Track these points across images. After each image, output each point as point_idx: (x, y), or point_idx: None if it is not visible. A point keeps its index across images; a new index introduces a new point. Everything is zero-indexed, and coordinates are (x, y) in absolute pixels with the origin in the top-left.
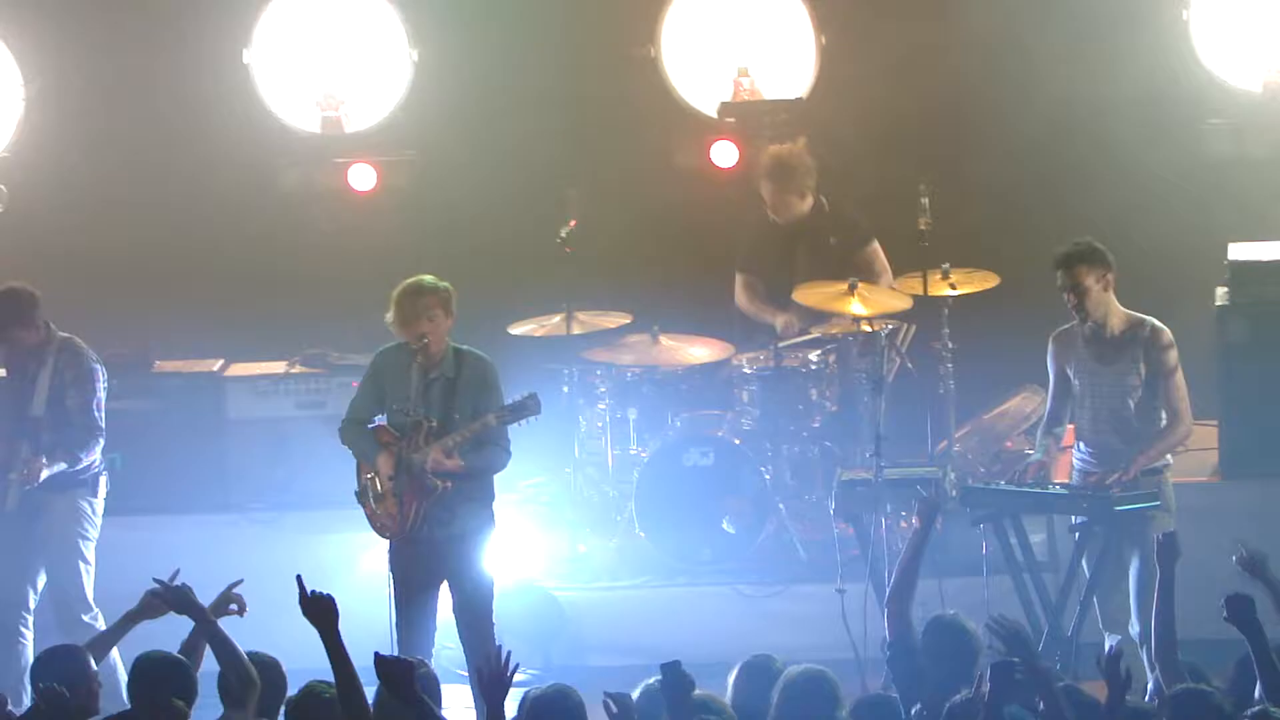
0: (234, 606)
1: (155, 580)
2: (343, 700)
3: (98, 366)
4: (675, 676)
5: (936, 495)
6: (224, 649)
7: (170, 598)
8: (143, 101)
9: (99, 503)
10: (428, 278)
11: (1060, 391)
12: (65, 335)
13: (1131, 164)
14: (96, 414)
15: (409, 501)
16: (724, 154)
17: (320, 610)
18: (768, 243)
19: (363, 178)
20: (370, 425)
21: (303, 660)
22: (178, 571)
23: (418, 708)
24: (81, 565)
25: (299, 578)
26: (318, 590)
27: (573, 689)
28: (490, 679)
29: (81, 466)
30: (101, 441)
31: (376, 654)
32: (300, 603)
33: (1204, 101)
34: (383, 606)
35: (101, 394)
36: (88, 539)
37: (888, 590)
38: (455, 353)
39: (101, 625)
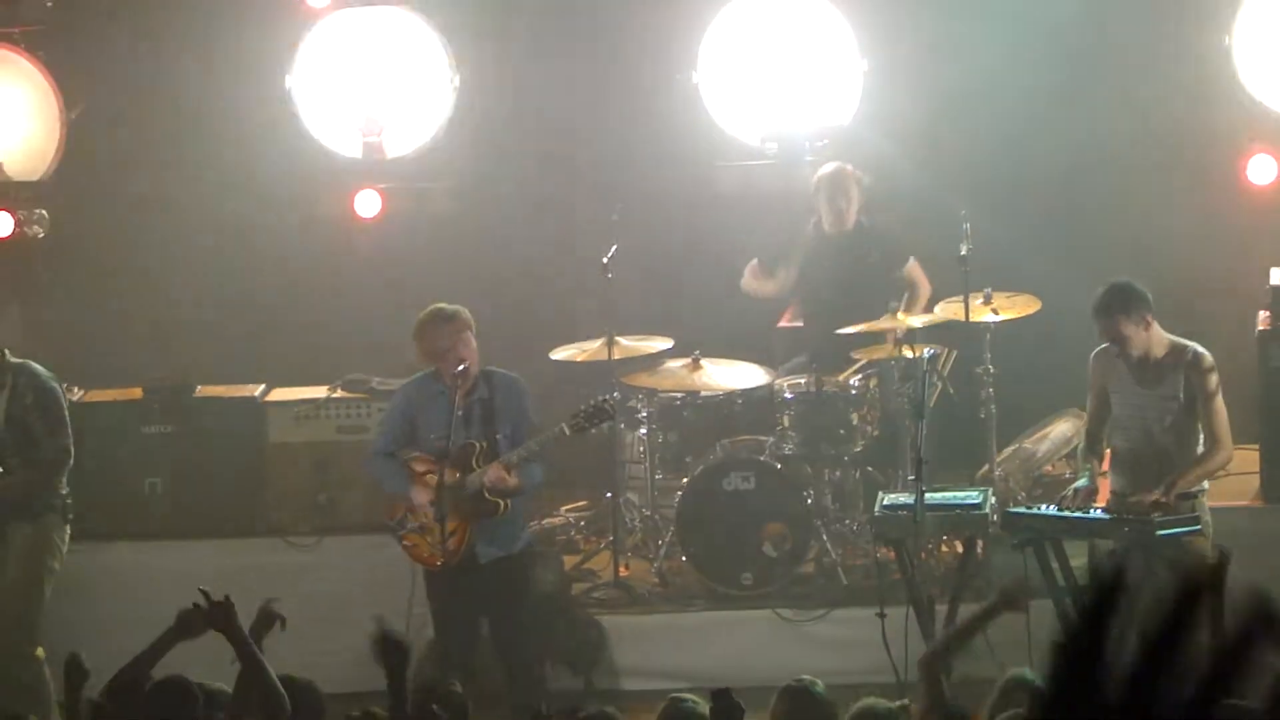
0: (278, 624)
1: (200, 590)
2: None
3: (58, 386)
4: (726, 703)
5: (1019, 588)
6: (258, 671)
7: (213, 613)
8: (184, 125)
9: (66, 532)
10: (443, 305)
11: (1100, 411)
12: (19, 360)
13: (1174, 190)
14: (67, 435)
15: (459, 527)
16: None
17: (393, 652)
18: (813, 254)
19: (368, 204)
20: (397, 457)
21: (341, 685)
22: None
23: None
24: (38, 597)
25: (378, 617)
26: (393, 631)
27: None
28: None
29: (51, 490)
30: (70, 464)
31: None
32: (374, 642)
33: (1247, 128)
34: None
35: (66, 414)
36: (52, 571)
37: (929, 650)
38: (485, 374)
39: (42, 656)
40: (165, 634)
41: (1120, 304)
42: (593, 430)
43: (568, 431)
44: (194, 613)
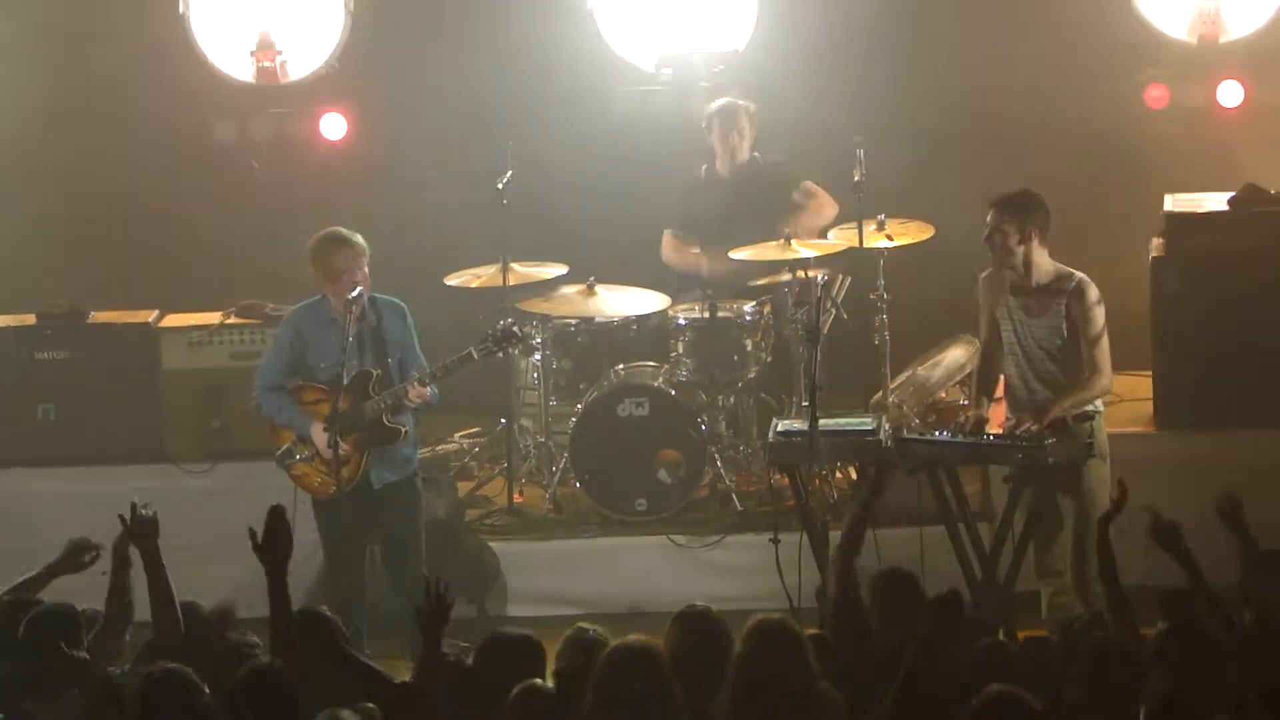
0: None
1: (133, 503)
2: (273, 632)
3: None
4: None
5: (886, 458)
6: (162, 590)
7: (136, 527)
8: (76, 51)
9: None
10: (341, 229)
11: (992, 337)
12: None
13: (1069, 115)
14: None
15: (353, 454)
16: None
17: (276, 548)
18: (707, 198)
19: (334, 126)
20: (285, 388)
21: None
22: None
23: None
24: None
25: (250, 530)
26: (277, 530)
27: (533, 637)
28: (430, 613)
29: None
30: None
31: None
32: (259, 541)
33: (1140, 53)
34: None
35: None
36: None
37: (837, 545)
38: (370, 300)
39: None
40: (52, 563)
41: (1012, 206)
42: (499, 355)
43: (476, 355)
44: (81, 543)
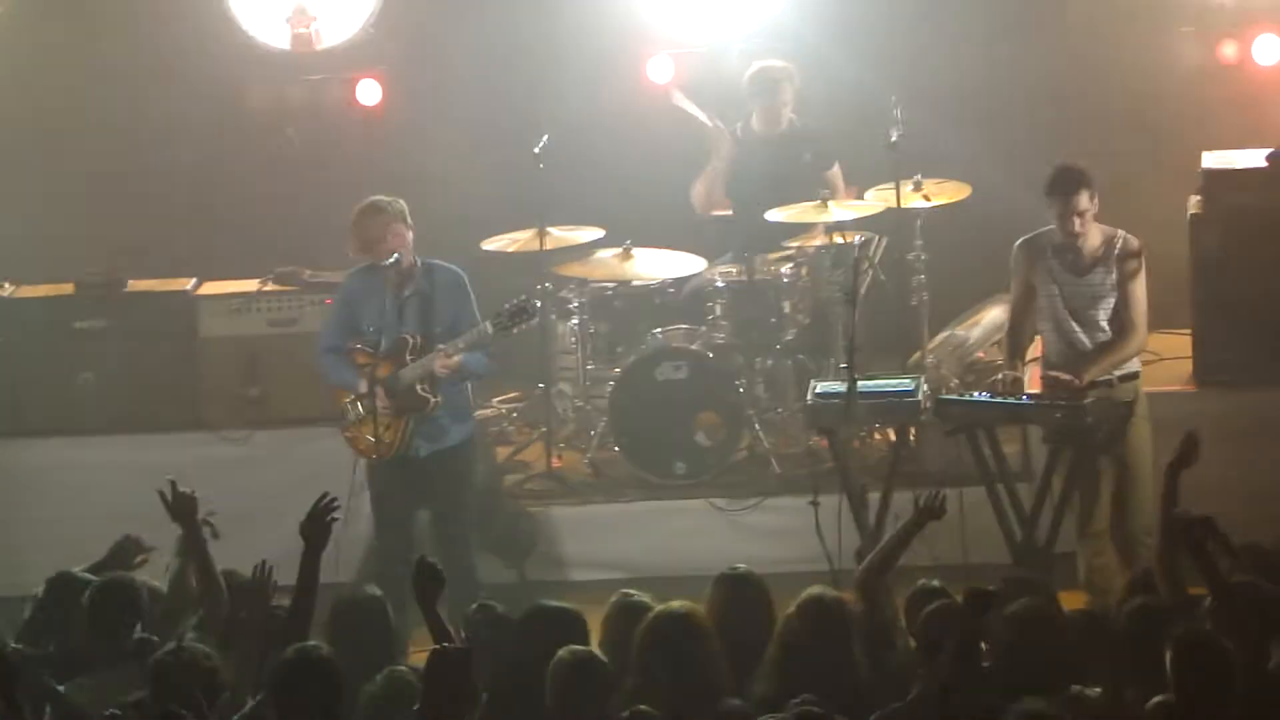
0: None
1: (168, 479)
2: (293, 613)
3: None
4: None
5: (941, 502)
6: (204, 563)
7: (176, 504)
8: (111, 18)
9: None
10: (379, 197)
11: (1023, 303)
12: None
13: (1104, 73)
14: None
15: (394, 421)
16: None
17: (318, 529)
18: (745, 158)
19: (369, 92)
20: (343, 350)
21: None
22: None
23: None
24: None
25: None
26: (325, 509)
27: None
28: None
29: None
30: None
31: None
32: (308, 518)
33: (1175, 11)
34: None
35: None
36: None
37: (864, 564)
38: (425, 266)
39: None
40: (99, 562)
41: (1083, 179)
42: (515, 330)
43: (490, 330)
44: (130, 544)
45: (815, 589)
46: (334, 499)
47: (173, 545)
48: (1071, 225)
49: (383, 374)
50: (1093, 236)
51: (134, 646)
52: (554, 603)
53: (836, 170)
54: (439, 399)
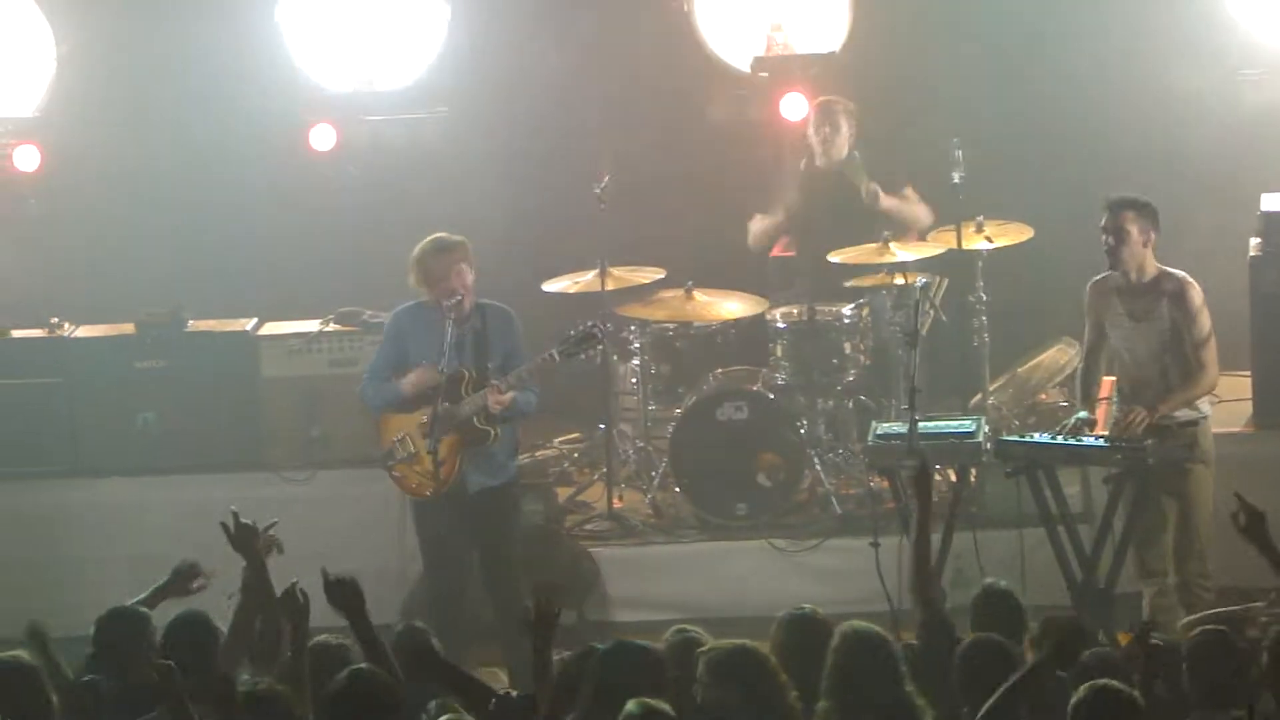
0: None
1: (232, 511)
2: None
3: None
4: None
5: (926, 463)
6: (266, 593)
7: (238, 536)
8: (173, 60)
9: None
10: (445, 234)
11: (1095, 342)
12: None
13: (1166, 116)
14: None
15: (449, 456)
16: (793, 108)
17: (345, 595)
18: (807, 193)
19: (323, 138)
20: (389, 379)
21: (333, 617)
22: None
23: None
24: None
25: (323, 569)
26: (340, 575)
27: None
28: (538, 620)
29: None
30: None
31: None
32: (325, 590)
33: (1237, 53)
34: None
35: None
36: None
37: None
38: (478, 307)
39: None
40: (160, 586)
41: (1133, 202)
42: (582, 356)
43: (557, 357)
44: (189, 569)
45: (851, 621)
46: (349, 578)
47: (234, 578)
48: (1109, 240)
49: (443, 407)
50: (1150, 276)
51: (212, 682)
52: (637, 641)
53: (910, 191)
54: (498, 431)
